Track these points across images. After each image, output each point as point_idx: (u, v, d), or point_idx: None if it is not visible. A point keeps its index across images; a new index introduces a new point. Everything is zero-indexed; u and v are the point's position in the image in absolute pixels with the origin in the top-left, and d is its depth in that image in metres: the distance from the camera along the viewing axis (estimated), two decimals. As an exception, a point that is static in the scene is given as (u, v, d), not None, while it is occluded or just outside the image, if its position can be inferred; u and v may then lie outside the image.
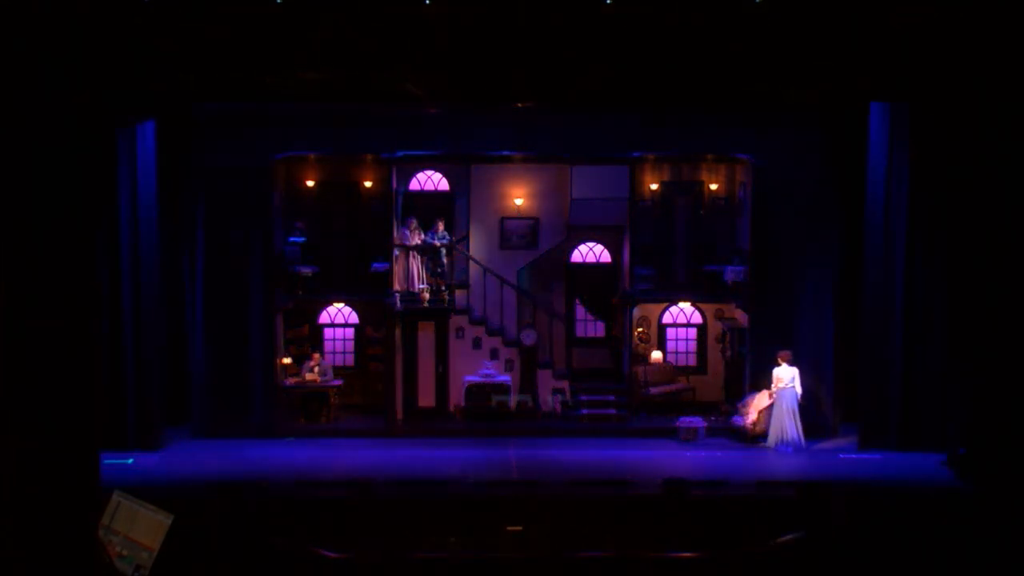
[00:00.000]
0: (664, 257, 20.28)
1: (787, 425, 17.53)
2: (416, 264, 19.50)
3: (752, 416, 17.98)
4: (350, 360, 20.65)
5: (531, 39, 14.80)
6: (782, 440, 17.51)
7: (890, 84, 15.47)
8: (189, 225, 18.37)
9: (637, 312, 20.47)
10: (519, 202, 20.60)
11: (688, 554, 12.39)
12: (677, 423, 18.43)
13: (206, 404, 18.32)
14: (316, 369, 19.24)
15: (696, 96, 15.93)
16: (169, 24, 14.43)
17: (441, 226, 19.70)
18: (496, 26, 14.73)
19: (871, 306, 17.35)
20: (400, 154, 18.94)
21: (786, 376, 17.56)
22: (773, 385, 17.62)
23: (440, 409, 19.81)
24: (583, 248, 21.10)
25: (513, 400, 19.32)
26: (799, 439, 17.55)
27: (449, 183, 20.66)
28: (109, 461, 15.49)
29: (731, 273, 19.27)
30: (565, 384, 19.74)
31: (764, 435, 17.82)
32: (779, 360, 17.68)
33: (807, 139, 18.28)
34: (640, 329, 20.92)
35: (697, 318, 21.19)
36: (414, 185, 20.61)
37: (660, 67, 15.09)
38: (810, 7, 14.73)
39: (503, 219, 20.70)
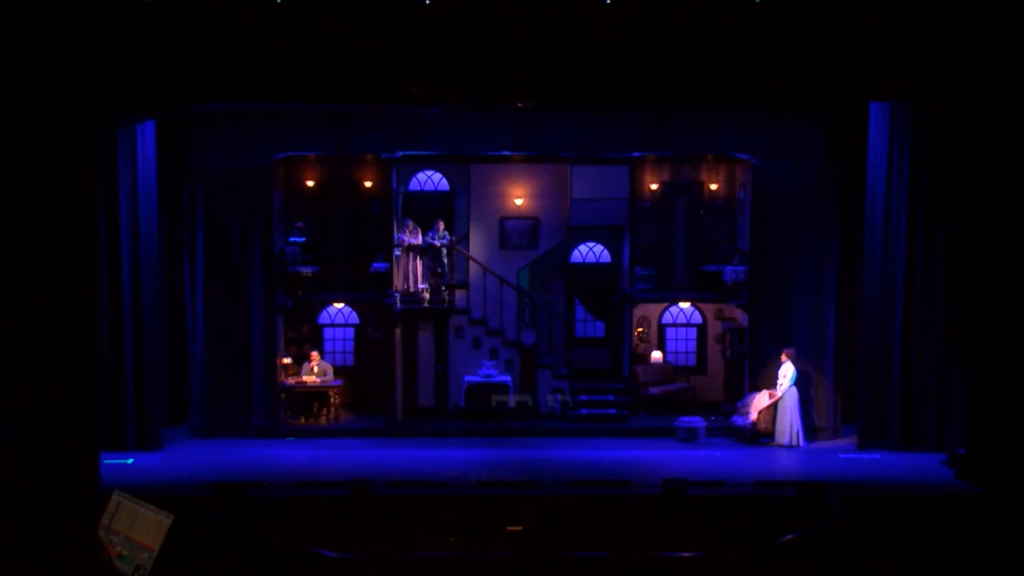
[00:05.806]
0: (664, 257, 20.31)
1: (792, 423, 17.58)
2: (416, 264, 19.50)
3: (752, 416, 17.99)
4: (350, 360, 20.63)
5: (531, 39, 14.81)
6: (787, 438, 17.55)
7: (890, 84, 15.45)
8: (189, 225, 18.36)
9: (637, 312, 20.48)
10: (519, 202, 20.60)
11: (688, 554, 12.41)
12: (677, 423, 18.43)
13: (206, 404, 18.32)
14: (316, 369, 19.25)
15: (696, 96, 15.90)
16: (169, 24, 14.44)
17: (441, 226, 19.68)
18: (496, 26, 14.74)
19: (871, 306, 17.35)
20: (400, 154, 18.94)
21: (790, 374, 17.62)
22: (779, 383, 17.66)
23: (440, 409, 19.82)
24: (583, 248, 21.10)
25: (513, 400, 19.32)
26: (801, 437, 17.62)
27: (449, 183, 20.67)
28: (109, 461, 15.54)
29: (731, 273, 19.27)
30: (565, 384, 19.73)
31: (765, 435, 17.84)
32: (782, 358, 17.74)
33: (807, 139, 18.26)
34: (640, 329, 20.92)
35: (697, 318, 21.19)
36: (414, 185, 20.62)
37: (660, 67, 15.09)
38: (810, 7, 14.75)
39: (503, 219, 20.70)
